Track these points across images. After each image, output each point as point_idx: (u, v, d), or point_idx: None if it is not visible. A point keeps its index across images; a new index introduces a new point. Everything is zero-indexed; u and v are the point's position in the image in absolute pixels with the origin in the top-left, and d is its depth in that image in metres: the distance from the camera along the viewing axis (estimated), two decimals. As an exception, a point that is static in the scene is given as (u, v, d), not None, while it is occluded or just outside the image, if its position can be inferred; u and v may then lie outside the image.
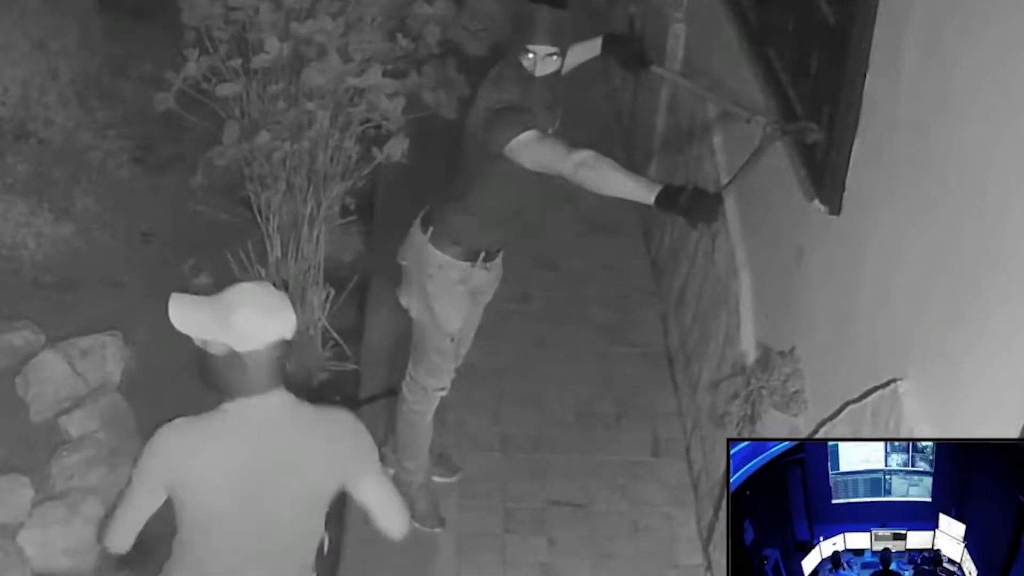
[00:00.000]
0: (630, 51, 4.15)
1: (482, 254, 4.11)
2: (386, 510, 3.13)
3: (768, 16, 4.36)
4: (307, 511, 3.06)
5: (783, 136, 3.80)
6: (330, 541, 3.27)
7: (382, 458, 4.63)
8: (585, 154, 3.53)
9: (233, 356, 2.85)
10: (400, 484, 4.53)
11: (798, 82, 3.94)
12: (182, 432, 2.93)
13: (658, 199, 3.40)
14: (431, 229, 4.07)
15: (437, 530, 4.50)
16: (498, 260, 4.23)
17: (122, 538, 3.01)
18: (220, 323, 2.85)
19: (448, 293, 4.12)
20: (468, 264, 4.10)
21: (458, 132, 4.00)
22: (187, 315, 2.88)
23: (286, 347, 2.90)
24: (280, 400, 2.94)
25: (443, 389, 4.36)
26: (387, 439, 4.66)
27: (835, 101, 3.55)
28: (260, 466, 2.92)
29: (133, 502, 2.96)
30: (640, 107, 6.38)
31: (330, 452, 3.01)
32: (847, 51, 3.48)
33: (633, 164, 6.30)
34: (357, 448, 3.07)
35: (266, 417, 2.92)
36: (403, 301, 4.25)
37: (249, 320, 2.84)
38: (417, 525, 4.49)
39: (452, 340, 4.23)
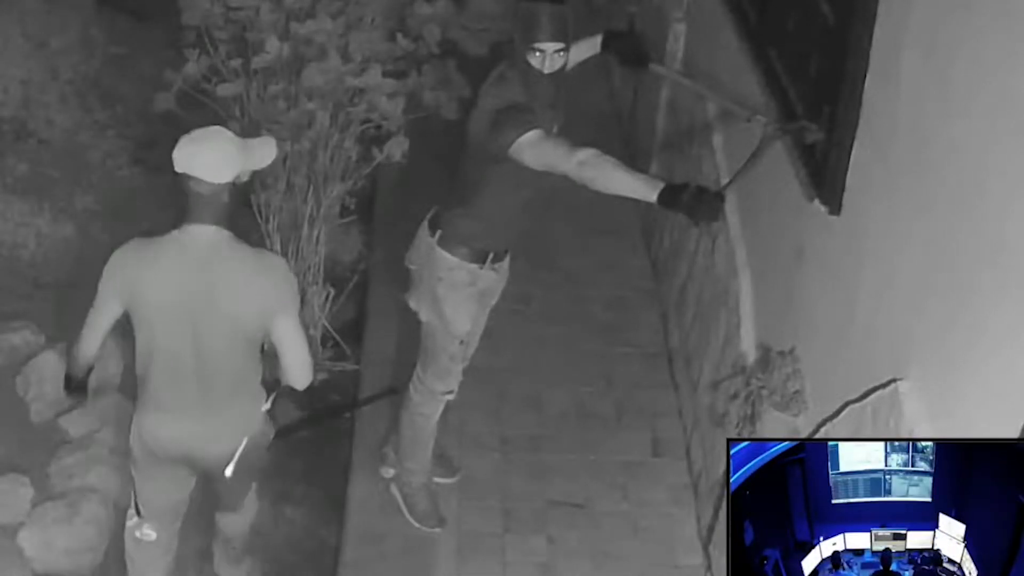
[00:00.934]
0: (630, 48, 4.14)
1: (490, 255, 4.11)
2: (296, 354, 3.51)
3: (768, 16, 4.36)
4: (237, 335, 3.48)
5: (783, 136, 3.80)
6: (279, 385, 3.65)
7: (383, 458, 4.65)
8: (588, 152, 3.54)
9: (184, 179, 3.37)
10: (400, 484, 4.53)
11: (798, 82, 3.93)
12: (135, 250, 3.47)
13: (660, 197, 3.41)
14: (439, 232, 4.07)
15: (437, 530, 4.50)
16: (505, 261, 4.23)
17: (88, 344, 3.57)
18: (187, 146, 3.40)
19: (458, 295, 4.12)
20: (477, 266, 4.10)
21: (460, 134, 4.00)
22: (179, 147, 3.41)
23: (232, 190, 3.41)
24: (221, 234, 3.42)
25: (451, 392, 4.36)
26: (388, 439, 4.66)
27: (835, 101, 3.55)
28: (199, 286, 3.40)
29: (98, 311, 3.52)
30: (640, 107, 6.38)
31: (259, 284, 3.45)
32: (847, 51, 3.48)
33: (633, 164, 6.31)
34: (283, 287, 3.50)
35: (208, 245, 3.40)
36: (412, 304, 4.24)
37: (210, 151, 3.39)
38: (417, 525, 4.49)
39: (461, 343, 4.23)
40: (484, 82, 3.93)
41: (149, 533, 3.84)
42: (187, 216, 3.43)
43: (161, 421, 3.63)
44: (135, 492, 3.83)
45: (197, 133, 3.47)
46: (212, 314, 3.43)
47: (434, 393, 4.34)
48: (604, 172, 3.52)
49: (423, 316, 4.21)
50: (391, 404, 4.84)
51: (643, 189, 3.49)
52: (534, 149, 3.64)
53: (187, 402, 3.58)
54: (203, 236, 3.41)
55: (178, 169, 3.40)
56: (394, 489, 4.56)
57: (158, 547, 3.89)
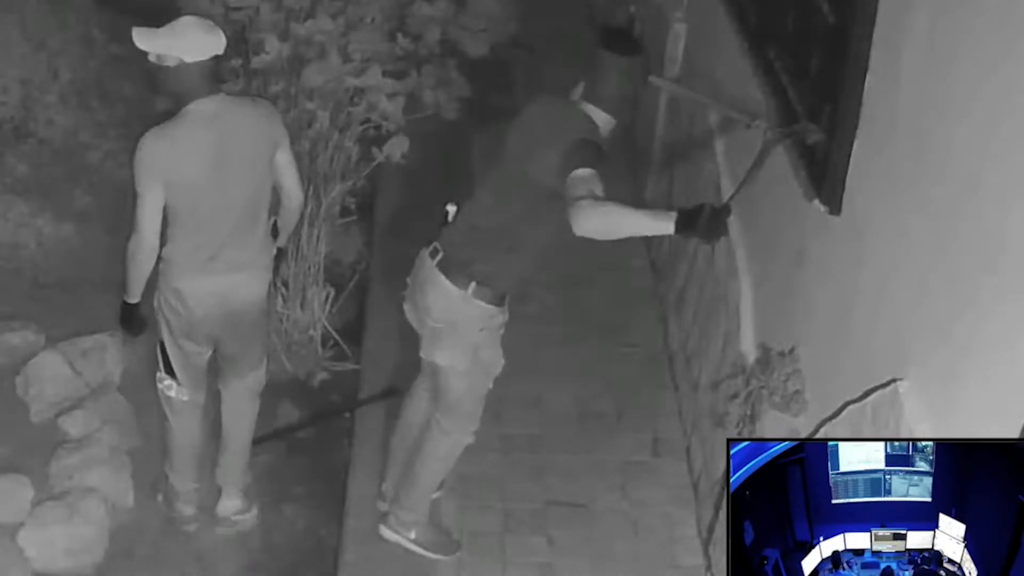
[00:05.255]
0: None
1: None
2: (294, 174, 4.20)
3: (768, 16, 4.36)
4: (258, 172, 4.06)
5: (783, 140, 3.79)
6: (277, 226, 4.32)
7: (382, 495, 4.53)
8: (587, 202, 3.39)
9: (184, 66, 3.84)
10: (404, 529, 4.38)
11: (798, 82, 3.93)
12: (159, 137, 3.91)
13: (678, 228, 3.32)
14: (473, 285, 3.88)
15: (458, 555, 4.42)
16: None
17: (150, 240, 3.95)
18: (175, 41, 3.85)
19: (495, 337, 4.04)
20: (506, 306, 4.01)
21: (496, 178, 3.88)
22: (148, 38, 3.89)
23: (218, 62, 3.92)
24: (223, 98, 3.99)
25: (477, 429, 4.29)
26: (384, 477, 4.52)
27: (835, 101, 3.55)
28: (220, 145, 3.91)
29: (146, 205, 3.93)
30: (640, 110, 6.37)
31: (263, 125, 4.05)
32: (847, 51, 3.48)
33: (634, 168, 6.31)
34: (279, 123, 4.15)
35: (216, 111, 3.92)
36: (441, 360, 4.02)
37: (197, 37, 3.87)
38: (438, 558, 4.38)
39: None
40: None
41: (184, 392, 4.30)
42: (188, 96, 3.89)
43: (204, 281, 4.07)
44: (167, 357, 4.24)
45: (177, 24, 3.89)
46: (238, 165, 3.95)
47: (463, 437, 4.24)
48: (609, 219, 3.40)
49: (461, 367, 4.01)
50: (391, 404, 4.84)
51: (656, 224, 3.41)
52: (571, 189, 3.47)
53: (227, 256, 4.05)
54: (209, 105, 3.90)
55: (189, 58, 3.82)
56: (397, 537, 4.39)
57: (195, 405, 4.36)
